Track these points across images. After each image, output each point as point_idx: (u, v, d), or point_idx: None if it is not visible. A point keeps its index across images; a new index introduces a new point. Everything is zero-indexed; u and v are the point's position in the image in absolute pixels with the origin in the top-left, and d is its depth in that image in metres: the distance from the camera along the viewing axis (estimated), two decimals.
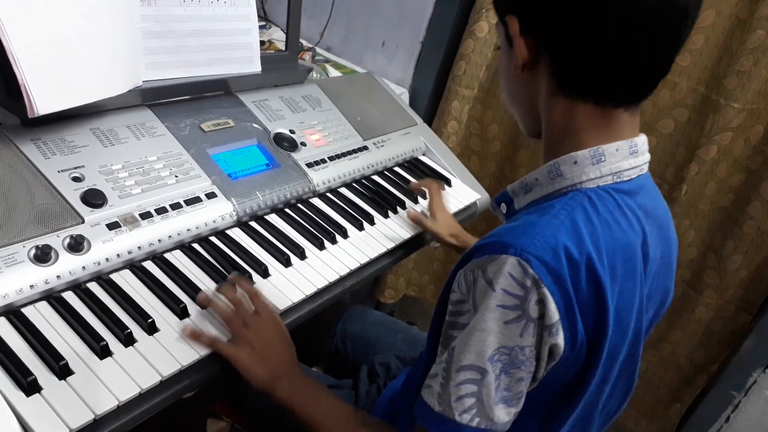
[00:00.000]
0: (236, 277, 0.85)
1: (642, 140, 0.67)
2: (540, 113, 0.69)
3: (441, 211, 1.14)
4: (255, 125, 1.11)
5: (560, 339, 0.60)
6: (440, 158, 1.38)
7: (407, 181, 1.27)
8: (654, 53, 0.61)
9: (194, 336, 0.76)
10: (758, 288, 1.46)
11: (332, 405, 0.80)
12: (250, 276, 0.89)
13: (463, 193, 1.33)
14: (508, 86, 0.73)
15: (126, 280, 0.81)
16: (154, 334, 0.76)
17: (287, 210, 1.05)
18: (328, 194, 1.13)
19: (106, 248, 0.80)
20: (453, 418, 0.62)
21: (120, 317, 0.75)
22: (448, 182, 1.32)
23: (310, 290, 0.92)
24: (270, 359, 0.79)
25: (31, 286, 0.72)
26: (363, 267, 1.02)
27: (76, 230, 0.79)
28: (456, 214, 1.27)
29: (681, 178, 1.45)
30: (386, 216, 1.14)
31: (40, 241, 0.75)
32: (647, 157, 0.69)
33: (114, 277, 0.81)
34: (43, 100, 0.78)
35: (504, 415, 0.62)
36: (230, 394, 1.03)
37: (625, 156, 0.65)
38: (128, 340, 0.73)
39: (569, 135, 0.66)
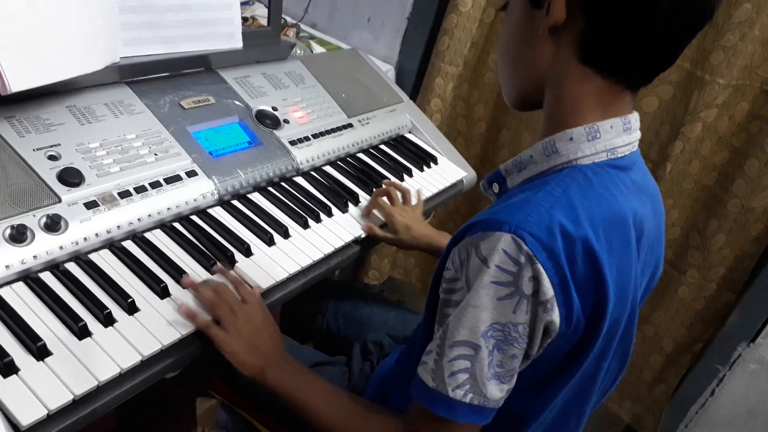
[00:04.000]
0: (221, 267, 0.85)
1: (635, 117, 0.67)
2: (544, 83, 0.67)
3: (399, 221, 1.07)
4: (236, 102, 1.09)
5: (555, 315, 0.60)
6: (426, 136, 1.37)
7: (393, 159, 1.26)
8: (683, 41, 0.61)
9: (189, 314, 0.76)
10: (741, 267, 1.47)
11: (324, 390, 0.80)
12: (233, 255, 0.88)
13: (449, 170, 1.32)
14: (514, 49, 0.69)
15: (105, 260, 0.80)
16: (135, 314, 0.75)
17: (270, 188, 1.04)
18: (312, 172, 1.12)
19: (84, 228, 0.79)
20: (446, 394, 0.62)
21: (99, 297, 0.74)
22: (434, 160, 1.32)
23: (294, 269, 0.91)
24: (259, 347, 0.79)
25: (7, 267, 0.71)
26: (347, 246, 1.01)
27: (52, 209, 0.77)
28: (442, 192, 1.27)
29: (665, 156, 1.44)
30: (371, 194, 1.13)
31: (16, 220, 0.74)
32: (639, 134, 0.69)
33: (93, 257, 0.80)
34: (16, 77, 0.76)
35: (497, 391, 0.63)
36: (224, 370, 1.03)
37: (619, 133, 0.65)
38: (108, 320, 0.72)
39: (574, 108, 0.65)
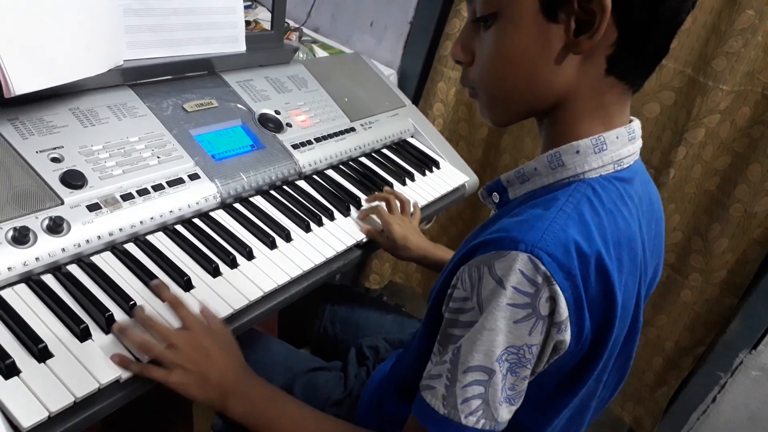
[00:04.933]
0: (156, 285, 0.78)
1: (637, 125, 0.66)
2: (560, 98, 0.63)
3: (397, 231, 1.05)
4: (239, 106, 1.09)
5: (567, 335, 0.58)
6: (428, 140, 1.37)
7: (395, 163, 1.26)
8: (672, 34, 0.61)
9: (123, 363, 0.69)
10: (744, 271, 1.47)
11: (295, 414, 0.75)
12: (235, 258, 0.88)
13: (451, 175, 1.32)
14: (525, 68, 0.62)
15: (107, 263, 0.80)
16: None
17: (272, 192, 1.04)
18: (315, 176, 1.12)
19: (87, 230, 0.79)
20: (459, 421, 0.60)
21: (101, 300, 0.74)
22: (436, 164, 1.32)
23: (296, 273, 0.91)
24: (209, 377, 0.73)
25: (9, 269, 0.71)
26: (349, 250, 1.01)
27: (55, 212, 0.77)
28: (444, 197, 1.26)
29: (668, 162, 1.44)
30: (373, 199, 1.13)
31: (18, 222, 0.74)
32: (641, 142, 0.68)
33: (95, 259, 0.80)
34: (19, 80, 0.76)
35: (506, 413, 0.61)
36: None
37: (624, 143, 0.63)
38: (109, 323, 0.72)
39: (587, 120, 0.63)
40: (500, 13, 0.60)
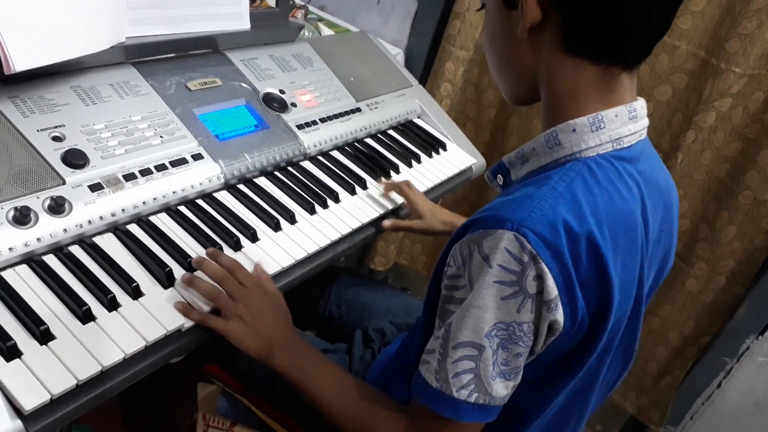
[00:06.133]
0: (215, 252, 0.82)
1: (641, 104, 0.65)
2: (536, 79, 0.66)
3: (423, 206, 1.07)
4: (243, 84, 1.07)
5: (559, 315, 0.59)
6: (435, 121, 1.35)
7: (401, 145, 1.25)
8: (634, 8, 0.59)
9: (185, 311, 0.74)
10: (751, 260, 1.45)
11: (331, 377, 0.79)
12: (239, 240, 0.87)
13: (458, 157, 1.30)
14: (500, 51, 0.69)
15: (110, 244, 0.79)
16: (139, 299, 0.74)
17: (277, 173, 1.03)
18: (320, 157, 1.11)
19: (89, 210, 0.78)
20: (451, 394, 0.62)
21: (103, 281, 0.73)
22: (443, 146, 1.30)
23: (301, 255, 0.90)
24: (262, 330, 0.78)
25: (10, 249, 0.70)
26: (354, 232, 1.00)
27: (56, 191, 0.76)
28: (451, 179, 1.25)
29: (677, 146, 1.42)
30: (379, 180, 1.12)
31: (19, 202, 0.73)
32: (646, 122, 0.67)
33: (97, 240, 0.79)
34: (20, 57, 0.75)
35: (502, 388, 0.62)
36: (222, 357, 1.03)
37: (624, 122, 0.63)
38: (112, 305, 0.71)
39: (572, 99, 0.64)
40: (486, 3, 0.69)
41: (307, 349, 0.82)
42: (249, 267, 0.82)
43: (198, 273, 0.79)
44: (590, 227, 0.58)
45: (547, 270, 0.57)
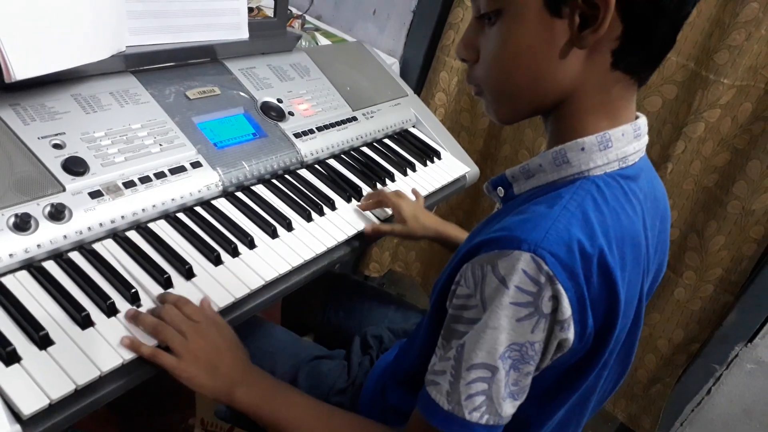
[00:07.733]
0: (161, 295, 0.77)
1: (643, 122, 0.66)
2: (566, 94, 0.62)
3: (407, 211, 1.05)
4: (242, 93, 1.09)
5: (571, 333, 0.58)
6: (430, 130, 1.37)
7: (396, 153, 1.26)
8: (678, 27, 0.60)
9: (132, 346, 0.69)
10: (739, 268, 1.47)
11: (305, 407, 0.76)
12: (236, 247, 0.88)
13: (452, 165, 1.32)
14: (532, 65, 0.61)
15: (109, 250, 0.80)
16: (137, 305, 0.75)
17: (274, 181, 1.04)
18: (316, 165, 1.12)
19: (88, 217, 0.79)
20: (463, 417, 0.60)
21: (102, 287, 0.74)
22: (437, 155, 1.31)
23: (297, 262, 0.91)
24: (219, 367, 0.74)
25: (11, 255, 0.71)
26: (350, 239, 1.01)
27: (57, 198, 0.77)
28: (445, 188, 1.26)
29: (667, 156, 1.44)
30: (375, 188, 1.13)
31: (20, 209, 0.73)
32: (647, 138, 0.67)
33: (96, 246, 0.80)
34: (20, 65, 0.75)
35: (510, 408, 0.62)
36: None
37: (630, 140, 0.63)
38: (111, 311, 0.72)
39: (592, 116, 0.63)
40: (504, 10, 0.60)
41: (272, 382, 0.77)
42: (219, 295, 0.79)
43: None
44: (601, 246, 0.58)
45: (563, 291, 0.56)
